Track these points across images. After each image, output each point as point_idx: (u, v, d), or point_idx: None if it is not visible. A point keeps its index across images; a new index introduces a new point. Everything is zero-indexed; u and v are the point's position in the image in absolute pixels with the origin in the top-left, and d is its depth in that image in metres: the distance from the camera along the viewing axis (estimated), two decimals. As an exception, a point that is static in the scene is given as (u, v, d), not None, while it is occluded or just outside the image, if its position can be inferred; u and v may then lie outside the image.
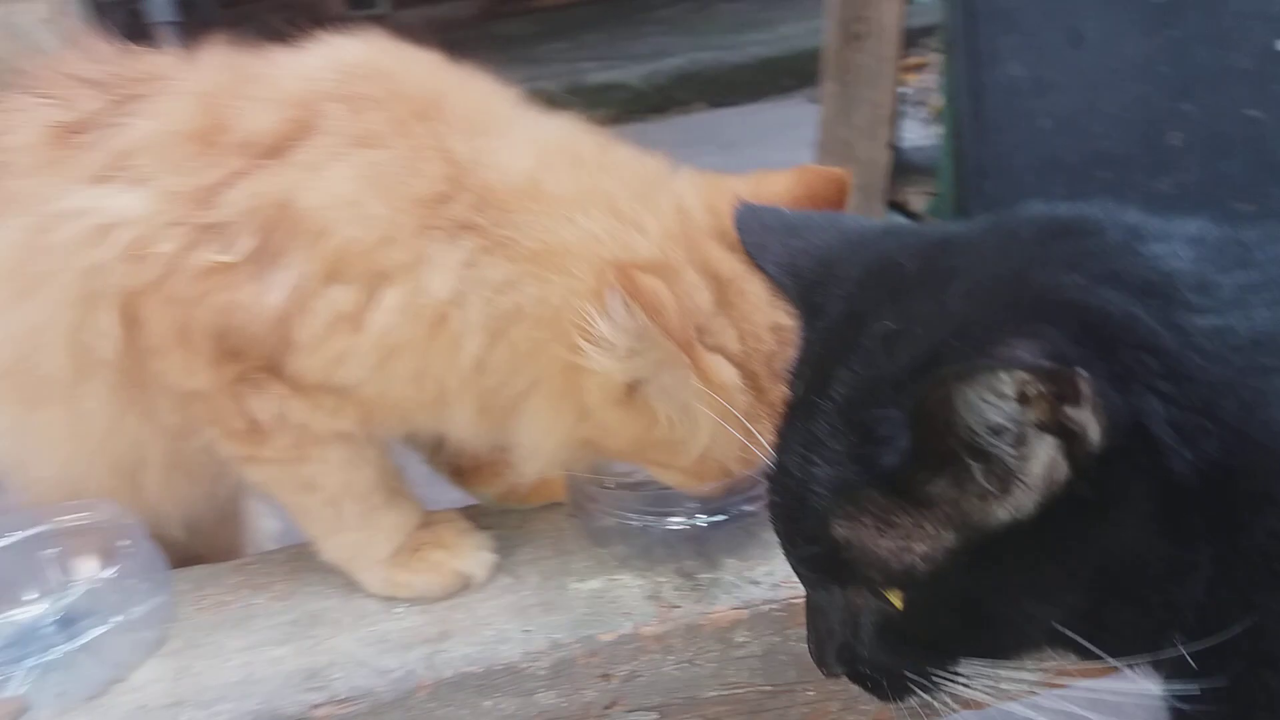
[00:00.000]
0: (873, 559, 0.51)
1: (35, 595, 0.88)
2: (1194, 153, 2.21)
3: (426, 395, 0.79)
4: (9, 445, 0.91)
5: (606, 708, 0.81)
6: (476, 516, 0.94)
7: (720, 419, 0.71)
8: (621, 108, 4.39)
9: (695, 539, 0.85)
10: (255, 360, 0.79)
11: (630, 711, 0.82)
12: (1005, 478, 0.47)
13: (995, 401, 0.44)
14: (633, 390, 0.74)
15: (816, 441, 0.52)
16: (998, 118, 2.20)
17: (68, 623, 0.82)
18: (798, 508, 0.53)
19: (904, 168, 2.55)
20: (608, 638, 0.80)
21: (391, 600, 0.86)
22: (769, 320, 0.75)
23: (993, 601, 0.51)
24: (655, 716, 0.82)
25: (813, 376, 0.55)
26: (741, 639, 0.81)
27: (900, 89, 3.16)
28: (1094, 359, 0.45)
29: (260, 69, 0.84)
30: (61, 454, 0.89)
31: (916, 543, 0.50)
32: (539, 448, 0.80)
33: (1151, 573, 0.49)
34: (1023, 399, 0.44)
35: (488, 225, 0.75)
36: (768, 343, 0.75)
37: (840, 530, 0.51)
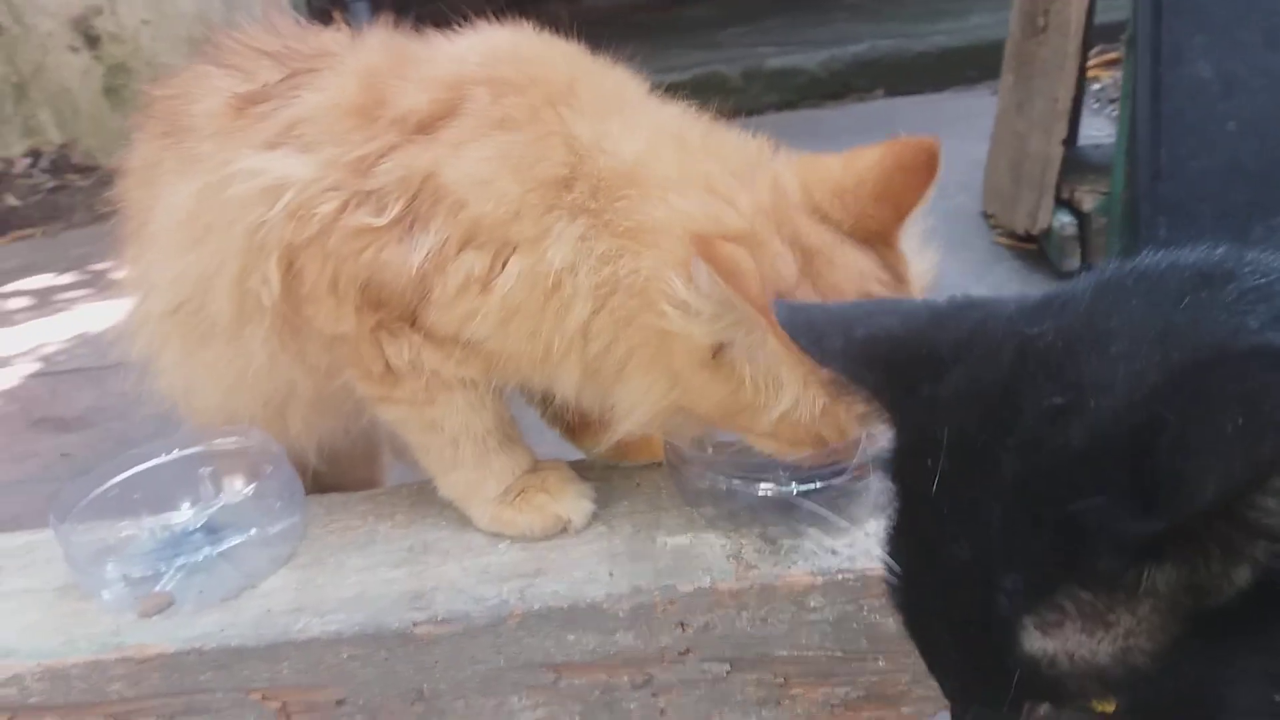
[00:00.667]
0: (1086, 668, 0.45)
1: (189, 506, 0.99)
2: (1394, 166, 2.08)
3: (539, 353, 0.86)
4: (177, 376, 1.03)
5: (681, 654, 0.86)
6: (582, 470, 1.00)
7: (803, 383, 0.75)
8: (798, 94, 4.38)
9: (782, 506, 0.89)
10: (395, 311, 0.87)
11: (704, 661, 0.86)
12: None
13: None
14: (718, 354, 0.78)
15: (989, 542, 0.46)
16: (1179, 118, 2.12)
17: (211, 531, 0.93)
18: (968, 625, 0.46)
19: (1080, 165, 2.47)
20: (686, 589, 0.85)
21: (497, 536, 0.93)
22: (859, 289, 0.78)
23: (1223, 686, 0.45)
24: (727, 668, 0.86)
25: (954, 468, 0.49)
26: (815, 604, 0.84)
27: (1092, 84, 3.05)
28: None
29: (417, 52, 0.92)
30: (221, 387, 1.00)
31: (1142, 639, 0.44)
32: (635, 411, 0.85)
33: None
34: None
35: (598, 208, 0.81)
36: None
37: (1037, 643, 0.45)
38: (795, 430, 0.80)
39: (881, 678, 0.86)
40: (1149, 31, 2.10)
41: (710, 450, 0.92)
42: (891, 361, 0.55)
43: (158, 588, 0.91)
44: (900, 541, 0.52)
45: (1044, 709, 0.47)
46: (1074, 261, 2.36)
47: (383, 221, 0.85)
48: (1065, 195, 2.39)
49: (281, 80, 0.93)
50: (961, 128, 2.75)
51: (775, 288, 0.74)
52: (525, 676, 0.86)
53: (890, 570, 0.52)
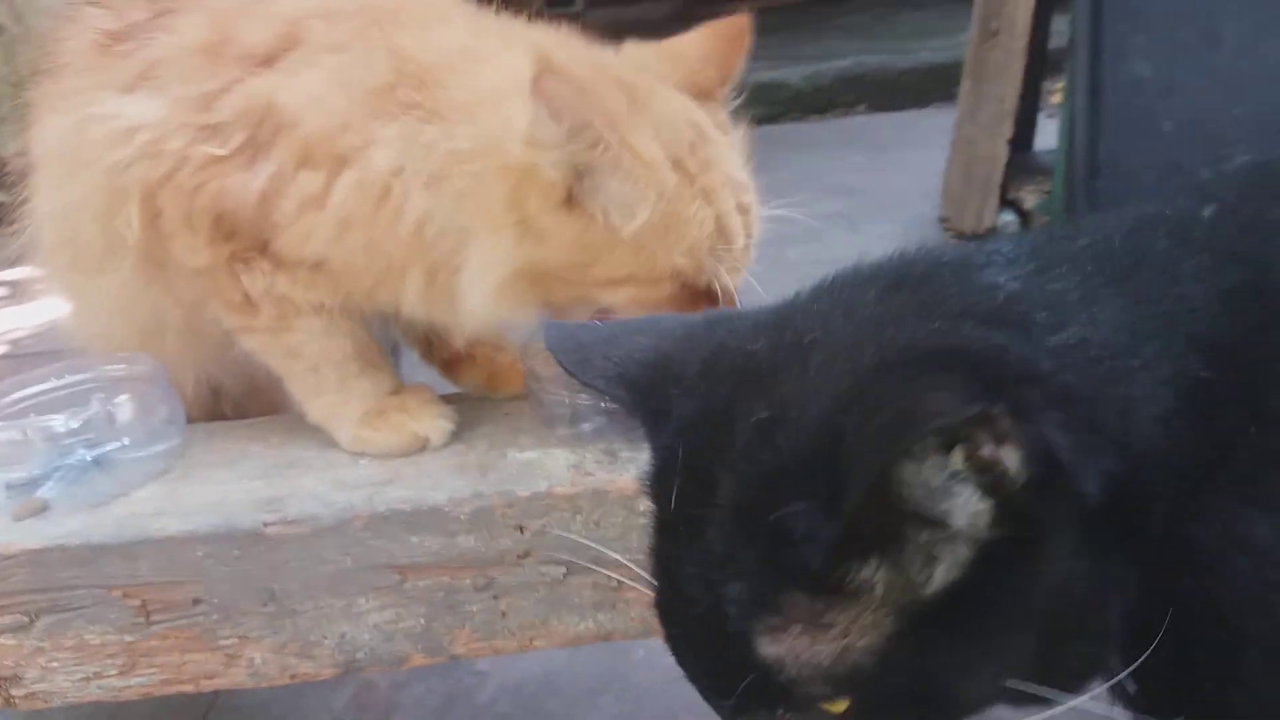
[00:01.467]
0: (813, 671, 0.47)
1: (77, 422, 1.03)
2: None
3: (379, 266, 0.90)
4: (70, 306, 1.08)
5: (520, 557, 0.89)
6: (455, 402, 1.04)
7: (655, 197, 0.80)
8: (782, 107, 4.43)
9: (627, 424, 0.93)
10: (246, 241, 0.92)
11: (542, 564, 0.90)
12: (943, 540, 0.45)
13: (936, 462, 0.43)
14: (570, 191, 0.82)
15: (715, 557, 0.49)
16: (1117, 117, 2.15)
17: (92, 446, 0.98)
18: (710, 636, 0.49)
19: (1029, 167, 2.51)
20: (523, 493, 0.88)
21: (360, 455, 0.97)
22: (685, 118, 0.84)
23: (945, 674, 0.48)
24: (564, 571, 0.90)
25: (685, 486, 0.52)
26: (644, 507, 0.87)
27: (1051, 93, 3.09)
28: (994, 397, 0.43)
29: None
30: (102, 316, 1.05)
31: (858, 638, 0.47)
32: (483, 282, 0.87)
33: (1086, 598, 0.48)
34: (956, 452, 0.44)
35: (424, 100, 0.86)
36: (687, 135, 0.84)
37: (768, 649, 0.47)
38: (651, 262, 0.83)
39: (711, 583, 0.90)
40: (1088, 31, 2.14)
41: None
42: (644, 383, 0.58)
43: (36, 494, 0.96)
44: (652, 561, 0.55)
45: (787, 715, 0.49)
46: (1017, 258, 2.39)
47: (226, 151, 0.89)
48: (1011, 195, 2.43)
49: (147, 20, 0.98)
50: (937, 140, 2.80)
51: (609, 118, 0.79)
52: (372, 577, 0.90)
53: (652, 588, 0.55)
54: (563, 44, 0.91)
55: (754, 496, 0.48)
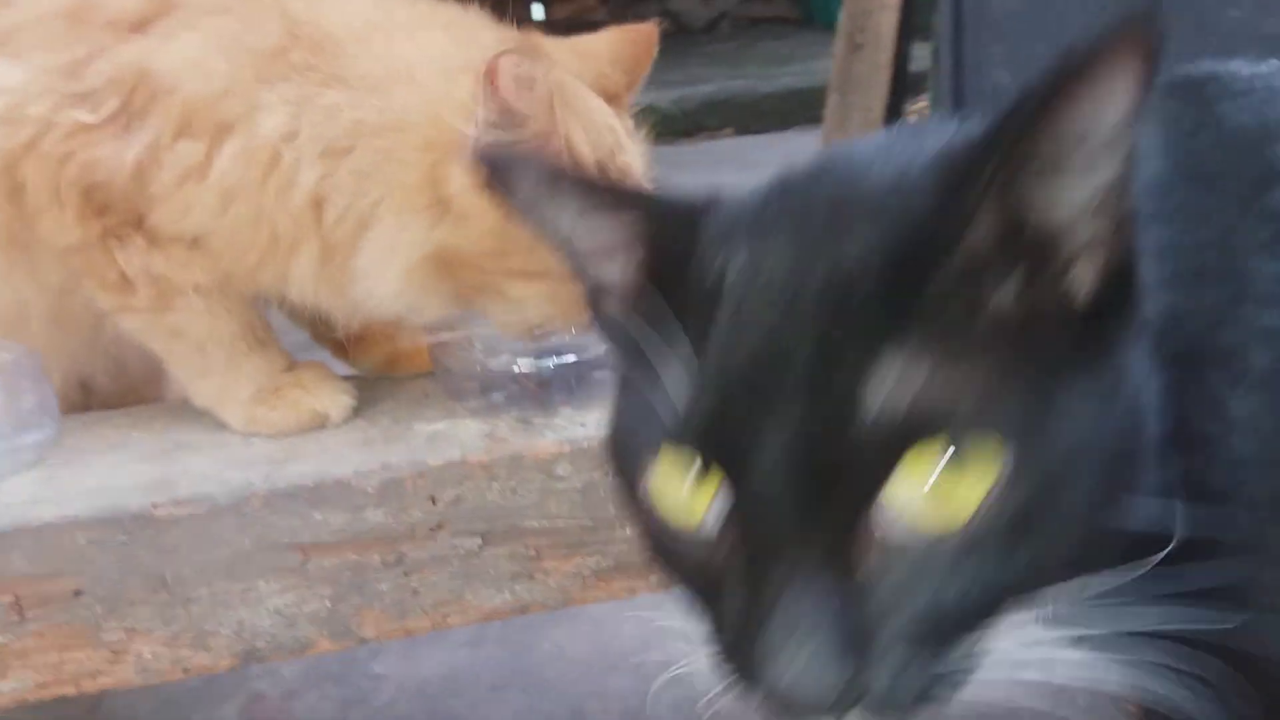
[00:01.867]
0: (931, 413, 0.42)
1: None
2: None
3: (265, 241, 0.86)
4: None
5: (433, 529, 0.86)
6: (356, 382, 1.00)
7: None
8: (652, 130, 4.47)
9: (539, 397, 0.90)
10: (120, 215, 0.87)
11: (456, 536, 0.86)
12: (1084, 245, 0.44)
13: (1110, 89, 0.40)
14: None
15: (825, 322, 0.44)
16: (980, 122, 2.24)
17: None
18: (808, 421, 0.43)
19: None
20: (436, 462, 0.85)
21: (254, 435, 0.92)
22: (605, 121, 0.84)
23: (1070, 413, 0.44)
24: (479, 542, 0.87)
25: (755, 267, 0.47)
26: (563, 471, 0.86)
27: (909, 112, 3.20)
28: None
29: None
30: None
31: (983, 374, 0.43)
32: (388, 267, 0.84)
33: (1143, 432, 0.46)
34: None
35: (322, 64, 0.83)
36: (608, 139, 0.83)
37: (886, 401, 0.42)
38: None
39: (629, 546, 0.88)
40: (950, 40, 2.23)
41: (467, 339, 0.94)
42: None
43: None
44: (703, 385, 0.46)
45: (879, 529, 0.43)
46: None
47: (97, 119, 0.84)
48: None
49: None
50: (801, 158, 2.88)
51: (554, 109, 0.78)
52: (272, 558, 0.85)
53: (685, 435, 0.47)
54: (482, 26, 0.89)
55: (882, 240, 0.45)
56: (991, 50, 2.27)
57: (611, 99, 0.88)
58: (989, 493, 0.42)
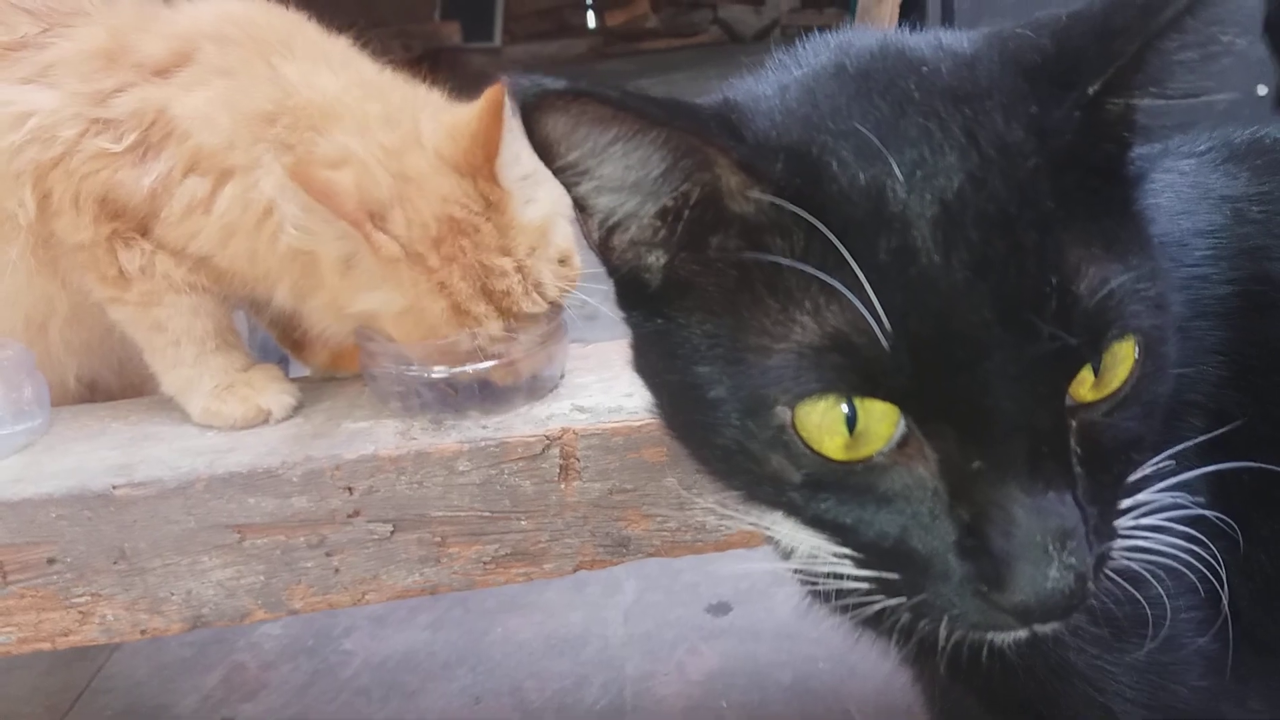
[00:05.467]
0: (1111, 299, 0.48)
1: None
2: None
3: (258, 272, 1.02)
4: None
5: (350, 516, 0.98)
6: (303, 381, 1.13)
7: (411, 282, 0.93)
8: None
9: (452, 396, 1.03)
10: (129, 223, 1.03)
11: (370, 522, 0.99)
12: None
13: None
14: (347, 262, 0.95)
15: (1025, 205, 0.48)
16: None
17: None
18: (1022, 299, 0.47)
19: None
20: (351, 456, 0.98)
21: (209, 427, 1.06)
22: (440, 212, 0.94)
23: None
24: (390, 529, 0.99)
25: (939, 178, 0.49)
26: (463, 467, 0.98)
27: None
28: None
29: (163, 13, 1.08)
30: None
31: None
32: (315, 314, 1.03)
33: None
34: None
35: (298, 142, 0.98)
36: (434, 229, 0.94)
37: (1085, 272, 0.48)
38: (420, 321, 0.96)
39: (524, 536, 1.00)
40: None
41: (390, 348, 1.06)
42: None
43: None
44: (936, 229, 0.48)
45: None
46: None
47: (119, 148, 1.00)
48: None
49: (40, 33, 1.07)
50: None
51: (369, 207, 0.92)
52: (214, 536, 0.99)
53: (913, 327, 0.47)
54: (396, 115, 1.00)
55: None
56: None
57: (475, 172, 0.96)
58: (1131, 370, 0.50)
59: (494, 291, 0.96)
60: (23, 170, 1.02)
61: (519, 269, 0.96)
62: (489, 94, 0.94)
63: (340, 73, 1.03)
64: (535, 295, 0.97)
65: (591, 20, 6.94)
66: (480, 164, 0.95)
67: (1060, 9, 0.54)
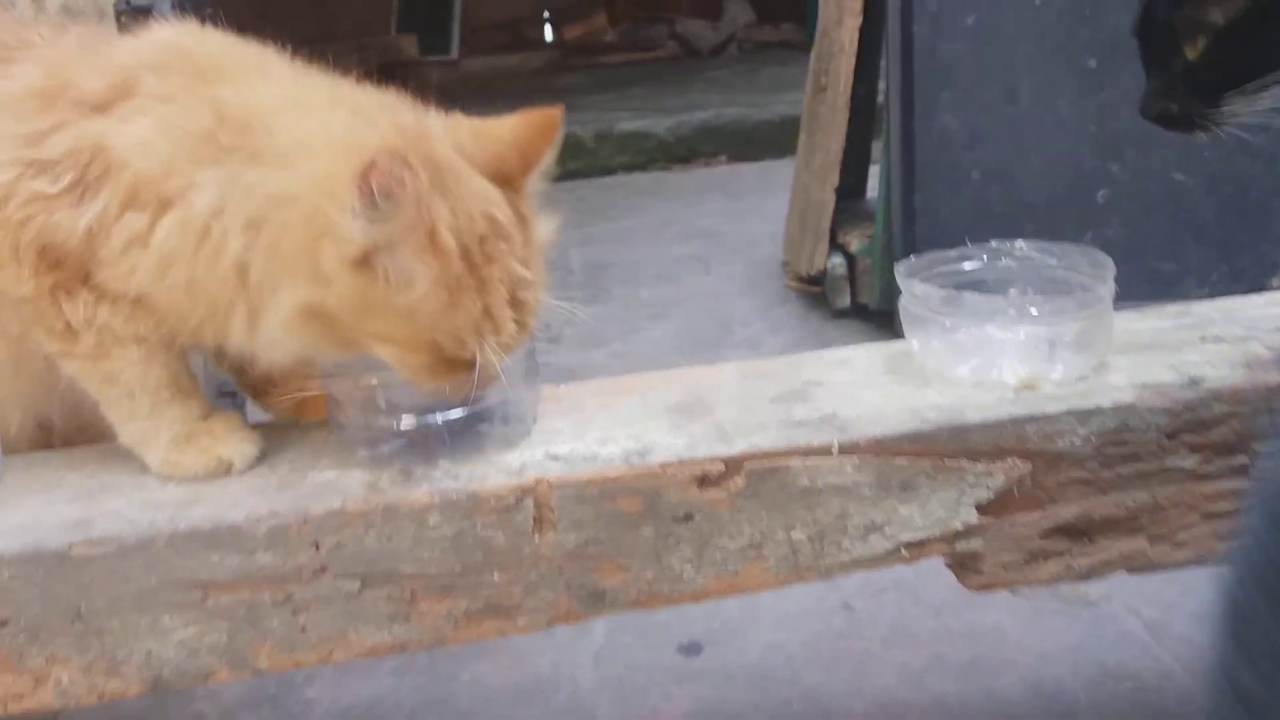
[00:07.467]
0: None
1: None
2: (1118, 210, 2.31)
3: (202, 303, 0.97)
4: None
5: (316, 572, 0.96)
6: (266, 428, 1.10)
7: (430, 281, 0.87)
8: (647, 156, 4.58)
9: (422, 444, 1.00)
10: (70, 272, 0.98)
11: (338, 578, 0.96)
12: None
13: None
14: (366, 255, 0.87)
15: None
16: (929, 166, 2.33)
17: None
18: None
19: (858, 213, 2.68)
20: (318, 510, 0.95)
21: (169, 479, 1.03)
22: (482, 209, 0.91)
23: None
24: (359, 585, 0.96)
25: None
26: (434, 521, 0.95)
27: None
28: None
29: (104, 46, 1.04)
30: None
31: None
32: (276, 319, 0.93)
33: None
34: None
35: (246, 143, 0.93)
36: (480, 226, 0.91)
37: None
38: (415, 332, 0.90)
39: (497, 590, 0.97)
40: (900, 87, 2.31)
41: (359, 394, 1.03)
42: None
43: None
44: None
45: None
46: (845, 300, 2.56)
47: (55, 189, 0.95)
48: (840, 239, 2.59)
49: None
50: (788, 189, 2.97)
51: (421, 204, 0.86)
52: (175, 595, 0.95)
53: None
54: (387, 107, 0.98)
55: None
56: (940, 96, 2.36)
57: (506, 181, 0.95)
58: None
59: (520, 301, 0.93)
60: None
61: (536, 284, 0.95)
62: (546, 110, 0.94)
63: (284, 81, 0.99)
64: (538, 315, 0.96)
65: (549, 34, 6.93)
66: (515, 172, 0.94)
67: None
